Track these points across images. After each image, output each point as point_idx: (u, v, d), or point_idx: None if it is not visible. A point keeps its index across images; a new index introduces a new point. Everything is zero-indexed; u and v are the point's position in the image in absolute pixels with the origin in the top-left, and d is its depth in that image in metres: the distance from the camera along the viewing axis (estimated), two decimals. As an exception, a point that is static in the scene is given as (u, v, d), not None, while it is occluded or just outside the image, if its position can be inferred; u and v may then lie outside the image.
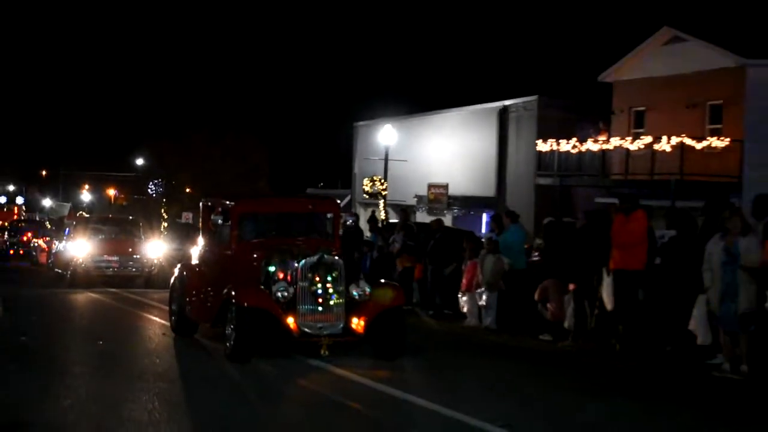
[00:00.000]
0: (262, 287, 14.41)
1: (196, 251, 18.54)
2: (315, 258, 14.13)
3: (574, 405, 11.97)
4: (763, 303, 12.96)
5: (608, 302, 15.73)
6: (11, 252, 47.21)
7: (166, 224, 57.64)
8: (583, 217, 18.51)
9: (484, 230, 35.78)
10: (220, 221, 16.18)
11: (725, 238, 13.93)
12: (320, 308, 14.01)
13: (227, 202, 16.70)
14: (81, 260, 29.26)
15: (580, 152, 39.21)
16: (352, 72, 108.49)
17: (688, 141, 35.21)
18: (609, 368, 14.84)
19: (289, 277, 14.22)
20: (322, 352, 13.87)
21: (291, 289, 13.98)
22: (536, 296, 18.16)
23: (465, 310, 20.33)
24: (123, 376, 13.47)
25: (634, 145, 37.08)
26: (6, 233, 53.33)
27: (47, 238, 43.98)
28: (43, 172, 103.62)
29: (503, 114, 46.33)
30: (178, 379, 13.65)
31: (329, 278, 14.05)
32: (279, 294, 13.90)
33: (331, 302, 14.03)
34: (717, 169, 34.71)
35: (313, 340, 13.99)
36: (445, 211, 42.07)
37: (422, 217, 43.07)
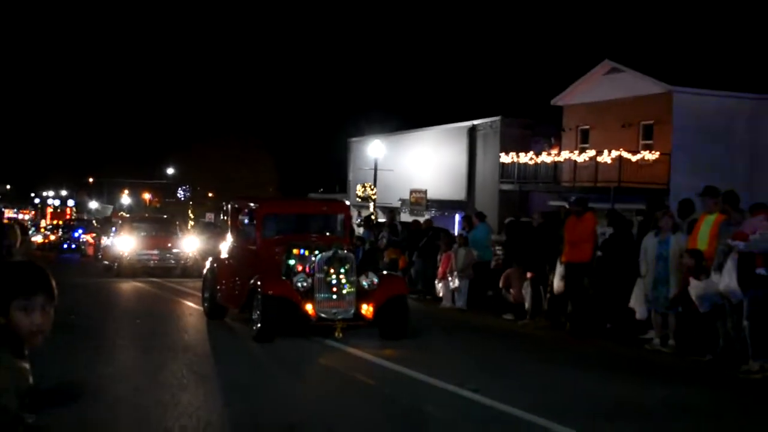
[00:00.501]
0: (284, 278, 14.23)
1: (224, 246, 18.11)
2: (330, 252, 13.96)
3: (534, 371, 12.09)
4: (687, 288, 13.00)
5: (558, 288, 15.80)
6: (65, 246, 46.96)
7: (192, 223, 57.54)
8: (538, 218, 18.52)
9: (457, 228, 35.75)
10: (246, 221, 16.17)
11: (658, 235, 13.99)
12: (334, 296, 13.85)
13: (252, 205, 16.59)
14: (126, 254, 28.84)
15: (536, 163, 39.35)
16: (348, 95, 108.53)
17: (625, 154, 35.31)
18: (561, 342, 14.93)
19: (307, 269, 14.08)
20: (336, 334, 13.69)
21: (309, 280, 13.82)
22: (500, 283, 18.24)
23: (441, 294, 20.34)
24: (158, 349, 13.49)
25: (581, 158, 37.16)
26: (61, 230, 53.27)
27: (94, 235, 43.94)
28: (90, 180, 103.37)
29: (472, 131, 46.32)
30: (207, 352, 13.67)
31: (342, 270, 13.89)
32: (299, 284, 13.79)
33: (344, 291, 13.88)
34: (649, 178, 34.75)
35: (329, 323, 13.82)
36: (424, 212, 41.96)
37: (405, 217, 43.04)
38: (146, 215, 52.71)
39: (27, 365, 3.53)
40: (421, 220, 26.76)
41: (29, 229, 43.99)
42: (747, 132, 35.93)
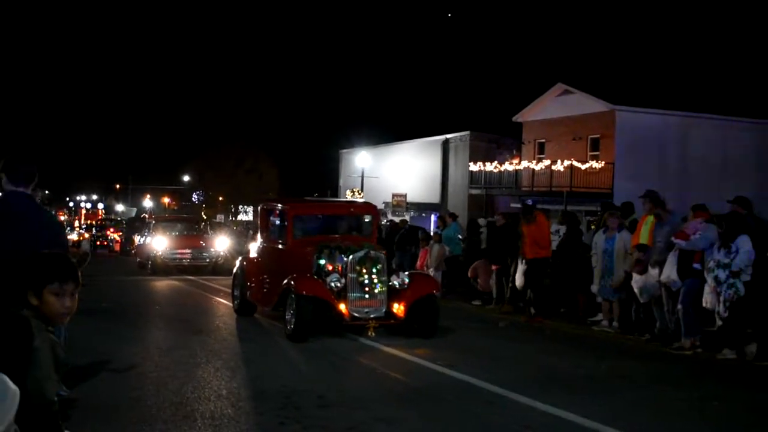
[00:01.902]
0: (315, 277, 12.78)
1: (254, 246, 16.36)
2: (362, 253, 12.58)
3: (499, 348, 12.17)
4: (629, 279, 13.12)
5: (519, 284, 15.72)
6: (98, 243, 46.56)
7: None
8: (502, 218, 18.58)
9: (432, 226, 35.78)
10: (277, 222, 14.85)
11: (606, 232, 14.09)
12: (367, 295, 12.45)
13: (283, 206, 14.88)
14: (160, 252, 26.52)
15: (500, 171, 39.47)
16: (339, 113, 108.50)
17: (575, 164, 35.44)
18: (522, 324, 14.97)
19: (339, 269, 12.66)
20: (369, 333, 12.32)
21: (342, 280, 12.43)
22: (469, 273, 18.29)
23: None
24: (183, 332, 13.40)
25: (538, 167, 37.27)
26: (94, 229, 53.13)
27: (120, 233, 43.83)
28: (117, 186, 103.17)
29: (445, 144, 46.39)
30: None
31: (374, 270, 12.50)
32: (332, 284, 12.37)
33: (376, 290, 12.49)
34: (596, 184, 34.91)
35: (361, 323, 12.42)
36: (405, 213, 41.98)
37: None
38: (182, 216, 51.34)
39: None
40: (398, 219, 26.80)
41: (65, 228, 43.75)
42: (677, 144, 36.16)
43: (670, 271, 11.92)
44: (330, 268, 12.78)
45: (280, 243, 14.40)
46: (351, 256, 12.55)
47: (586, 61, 70.73)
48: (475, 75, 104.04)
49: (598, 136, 36.98)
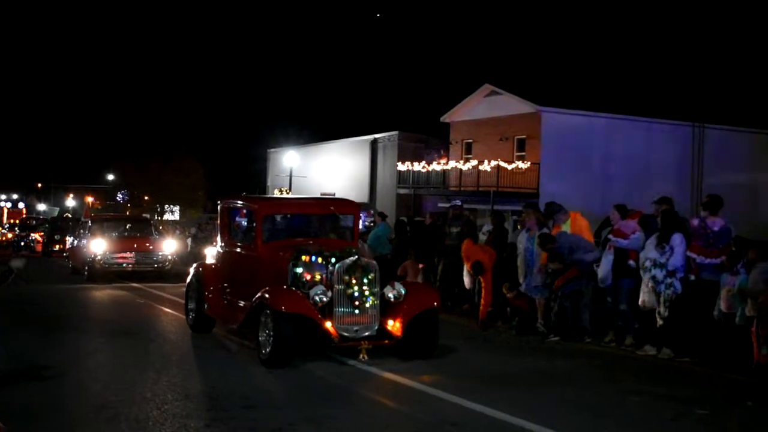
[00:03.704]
0: (294, 288, 10.62)
1: (212, 251, 14.19)
2: (351, 260, 10.50)
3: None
4: (551, 278, 13.25)
5: (467, 283, 15.52)
6: (22, 244, 44.96)
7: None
8: (429, 218, 18.69)
9: (360, 226, 35.87)
10: (244, 222, 12.79)
11: (529, 231, 14.22)
12: (356, 311, 10.34)
13: (251, 204, 12.70)
14: (99, 256, 22.69)
15: (428, 171, 39.66)
16: (266, 112, 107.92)
17: (502, 164, 35.80)
18: (463, 324, 14.66)
19: (324, 279, 10.61)
20: (361, 357, 10.32)
21: (329, 293, 10.33)
22: (399, 272, 18.33)
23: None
24: (105, 333, 13.15)
25: (465, 167, 37.54)
26: (17, 229, 51.73)
27: (42, 233, 42.76)
28: (39, 184, 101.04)
29: (374, 144, 46.51)
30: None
31: (365, 280, 10.40)
32: (317, 298, 10.24)
33: (367, 304, 10.39)
34: (522, 184, 35.31)
35: (352, 344, 10.33)
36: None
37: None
38: (125, 215, 48.93)
39: None
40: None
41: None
42: (601, 145, 36.78)
43: (605, 270, 12.10)
44: (308, 277, 10.68)
45: (247, 247, 12.26)
46: (338, 265, 10.48)
47: (513, 62, 71.56)
48: (404, 75, 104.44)
49: (524, 136, 37.40)
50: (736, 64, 62.34)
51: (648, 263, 11.35)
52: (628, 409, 8.46)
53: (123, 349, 11.63)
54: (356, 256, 10.63)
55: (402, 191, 41.50)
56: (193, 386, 9.18)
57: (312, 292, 10.34)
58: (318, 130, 60.57)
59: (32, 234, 45.49)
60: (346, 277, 10.40)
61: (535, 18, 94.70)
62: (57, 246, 36.93)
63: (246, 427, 7.46)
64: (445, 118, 41.90)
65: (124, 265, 22.92)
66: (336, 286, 10.41)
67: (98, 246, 22.91)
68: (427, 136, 44.42)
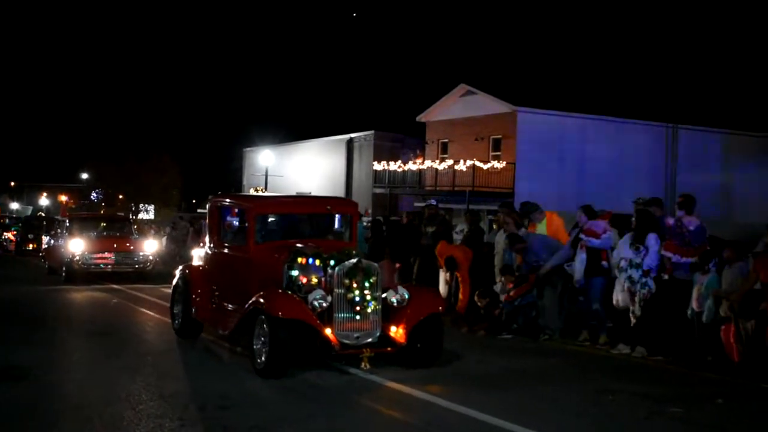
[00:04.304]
0: (289, 292, 9.89)
1: (199, 252, 13.23)
2: (352, 262, 9.77)
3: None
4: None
5: (443, 291, 15.44)
6: None
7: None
8: (406, 217, 18.69)
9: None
10: (235, 222, 11.71)
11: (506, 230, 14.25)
12: (357, 316, 9.65)
13: (243, 203, 11.90)
14: (77, 257, 21.73)
15: (404, 171, 39.77)
16: (242, 111, 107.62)
17: (478, 164, 35.94)
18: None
19: (324, 283, 9.85)
20: (362, 365, 9.59)
21: (329, 298, 9.62)
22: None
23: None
24: (81, 334, 13.05)
25: (441, 166, 37.67)
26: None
27: (15, 233, 42.32)
28: (12, 183, 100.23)
29: (350, 143, 46.57)
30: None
31: (367, 284, 9.70)
32: (315, 302, 9.50)
33: (368, 309, 9.70)
34: (498, 183, 35.47)
35: (353, 352, 9.63)
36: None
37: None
38: (104, 213, 47.99)
39: None
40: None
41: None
42: (576, 145, 37.00)
43: (580, 269, 12.15)
44: (304, 280, 9.92)
45: (238, 248, 11.41)
46: (338, 267, 9.76)
47: (489, 62, 71.82)
48: (380, 75, 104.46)
49: (499, 136, 37.56)
50: (708, 66, 62.90)
51: (623, 263, 11.41)
52: (602, 407, 8.50)
53: (99, 350, 11.54)
54: (357, 258, 9.90)
55: (378, 191, 41.54)
56: (168, 386, 9.13)
57: (311, 297, 9.58)
58: (294, 129, 60.52)
59: (5, 233, 44.99)
60: (347, 281, 9.69)
61: (511, 18, 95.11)
62: (31, 245, 36.57)
63: (220, 425, 7.43)
64: (421, 117, 42.01)
65: (103, 265, 22.10)
66: (336, 290, 9.69)
67: (76, 246, 22.03)
68: (403, 135, 44.54)
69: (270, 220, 11.88)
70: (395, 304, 10.04)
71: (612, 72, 60.19)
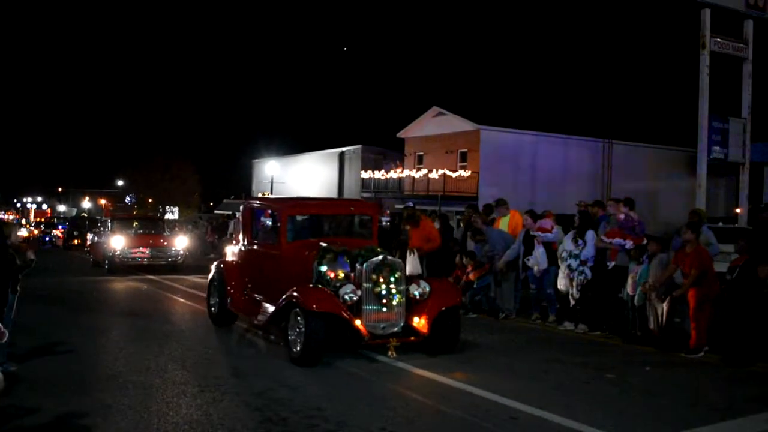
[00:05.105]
0: (319, 286, 9.19)
1: (233, 249, 12.49)
2: (379, 259, 9.19)
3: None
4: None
5: (411, 271, 15.34)
6: (47, 239, 44.01)
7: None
8: (388, 218, 18.66)
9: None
10: (268, 223, 11.15)
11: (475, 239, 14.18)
12: (384, 308, 9.08)
13: (275, 205, 11.23)
14: (118, 251, 21.43)
15: (386, 178, 39.82)
16: (251, 129, 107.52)
17: (448, 172, 36.02)
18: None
19: (353, 278, 9.25)
20: (389, 354, 9.04)
21: (359, 292, 9.02)
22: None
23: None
24: (110, 312, 12.93)
25: (418, 175, 37.74)
26: (42, 226, 50.88)
27: (62, 230, 42.11)
28: (60, 189, 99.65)
29: (342, 156, 46.52)
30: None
31: (392, 279, 9.15)
32: (346, 296, 8.93)
33: (394, 302, 9.13)
34: (464, 189, 35.52)
35: (381, 341, 9.06)
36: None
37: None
38: (141, 214, 47.58)
39: None
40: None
41: (13, 225, 41.39)
42: (529, 157, 37.11)
43: (543, 260, 12.09)
44: (332, 275, 9.31)
45: (270, 246, 10.66)
46: (366, 264, 9.16)
47: (458, 88, 71.88)
48: (366, 98, 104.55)
49: (466, 150, 37.62)
50: (639, 91, 63.37)
51: (564, 254, 11.50)
52: (550, 374, 8.53)
53: (133, 329, 11.46)
54: (383, 255, 9.26)
55: (365, 195, 41.49)
56: (189, 358, 9.10)
57: (342, 291, 8.98)
58: (294, 144, 60.57)
59: (54, 231, 44.77)
60: (374, 276, 9.10)
61: (477, 50, 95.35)
62: (76, 241, 36.40)
63: (232, 392, 7.41)
64: (401, 134, 42.03)
65: (140, 259, 21.66)
66: (364, 285, 9.08)
67: (117, 242, 21.68)
68: (386, 149, 44.57)
69: (299, 220, 11.23)
70: (417, 297, 9.42)
71: (559, 96, 60.50)
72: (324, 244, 9.77)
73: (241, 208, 12.11)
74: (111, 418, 6.46)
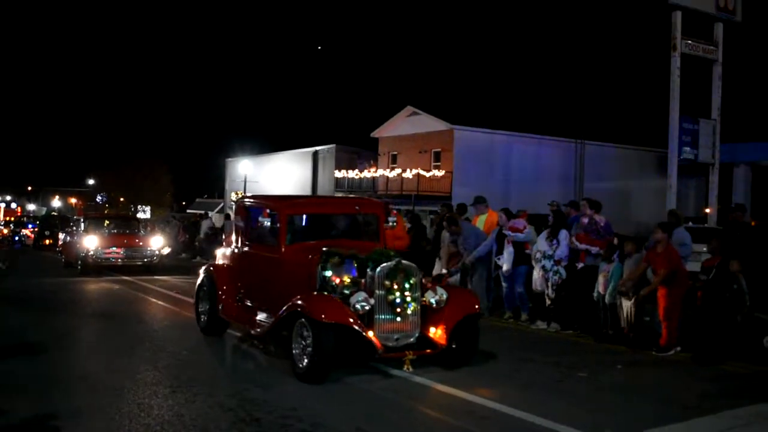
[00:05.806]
0: (325, 293, 8.30)
1: (223, 252, 10.97)
2: (392, 264, 8.21)
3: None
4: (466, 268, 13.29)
5: None
6: (16, 238, 43.27)
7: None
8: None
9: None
10: (266, 223, 9.43)
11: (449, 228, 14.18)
12: (398, 318, 8.13)
13: (273, 203, 9.87)
14: (92, 251, 20.61)
15: (360, 178, 39.76)
16: (224, 127, 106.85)
17: (421, 172, 36.06)
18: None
19: (363, 284, 8.22)
20: (405, 368, 8.10)
21: (371, 300, 8.05)
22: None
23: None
24: (82, 314, 12.76)
25: (391, 174, 37.73)
26: (12, 225, 50.13)
27: (32, 230, 41.54)
28: (29, 187, 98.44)
29: (315, 155, 46.36)
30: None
31: (407, 285, 8.18)
32: (358, 306, 7.95)
33: (409, 311, 8.18)
34: (438, 189, 35.59)
35: (396, 355, 8.09)
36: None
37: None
38: (115, 213, 47.03)
39: None
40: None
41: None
42: (502, 157, 37.26)
43: (510, 261, 12.11)
44: (337, 281, 8.35)
45: (268, 249, 9.60)
46: (378, 269, 8.18)
47: (431, 87, 72.05)
48: (340, 97, 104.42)
49: (439, 149, 37.68)
50: (611, 92, 63.97)
51: (538, 255, 11.55)
52: (523, 373, 8.56)
53: (106, 331, 11.33)
54: (397, 259, 8.30)
55: (339, 195, 41.38)
56: (161, 359, 9.01)
57: (353, 300, 8.01)
58: (268, 143, 60.43)
59: (23, 230, 44.13)
60: (387, 282, 8.15)
61: (450, 50, 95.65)
62: (47, 241, 35.88)
63: (205, 392, 7.35)
64: (375, 133, 42.01)
65: (114, 259, 20.86)
66: (376, 292, 8.12)
67: (91, 242, 20.86)
68: (360, 148, 44.50)
69: (299, 220, 10.16)
70: (434, 305, 8.49)
71: (532, 96, 60.86)
72: (330, 248, 8.87)
73: (234, 206, 11.05)
74: (81, 420, 6.39)
